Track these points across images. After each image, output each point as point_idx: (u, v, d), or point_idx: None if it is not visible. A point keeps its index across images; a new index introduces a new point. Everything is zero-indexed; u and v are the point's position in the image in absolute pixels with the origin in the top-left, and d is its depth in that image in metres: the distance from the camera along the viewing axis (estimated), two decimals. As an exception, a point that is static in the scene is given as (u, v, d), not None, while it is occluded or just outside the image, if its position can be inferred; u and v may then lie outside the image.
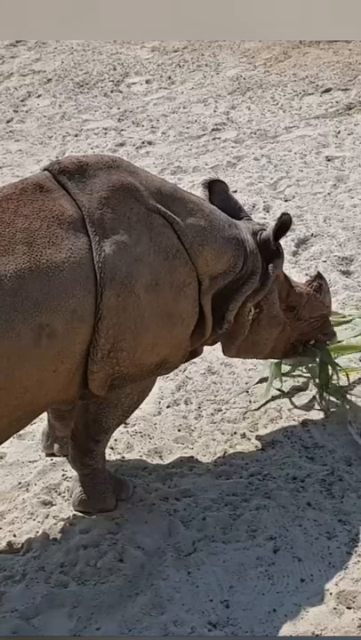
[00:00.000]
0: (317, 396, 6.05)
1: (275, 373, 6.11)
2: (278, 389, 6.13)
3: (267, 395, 6.08)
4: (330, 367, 5.94)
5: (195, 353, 5.33)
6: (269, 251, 5.31)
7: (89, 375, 4.64)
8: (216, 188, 5.48)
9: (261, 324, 5.40)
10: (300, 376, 6.24)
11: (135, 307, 4.63)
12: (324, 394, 5.99)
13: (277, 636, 4.41)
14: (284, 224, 5.28)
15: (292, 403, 6.06)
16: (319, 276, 5.82)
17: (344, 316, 6.51)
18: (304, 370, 6.23)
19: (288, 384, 6.22)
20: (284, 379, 6.17)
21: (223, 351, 5.52)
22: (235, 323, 5.24)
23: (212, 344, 5.40)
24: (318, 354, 5.92)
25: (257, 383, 6.24)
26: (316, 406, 6.01)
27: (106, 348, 4.59)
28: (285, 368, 6.22)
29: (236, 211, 5.46)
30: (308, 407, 6.03)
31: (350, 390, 6.10)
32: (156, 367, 4.92)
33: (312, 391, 6.14)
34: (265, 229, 5.39)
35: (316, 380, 6.06)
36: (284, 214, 5.27)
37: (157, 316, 4.74)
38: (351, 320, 6.45)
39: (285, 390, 6.17)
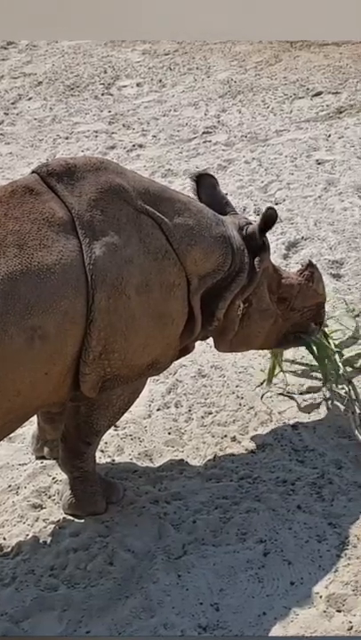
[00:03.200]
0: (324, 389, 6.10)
1: (276, 362, 6.12)
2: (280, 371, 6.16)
3: (269, 380, 6.11)
4: (327, 359, 5.96)
5: (186, 350, 5.33)
6: (255, 245, 5.31)
7: (80, 377, 4.64)
8: (204, 182, 5.50)
9: (252, 318, 5.39)
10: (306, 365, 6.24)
11: (126, 308, 4.63)
12: (330, 384, 6.01)
13: (268, 636, 4.40)
14: (269, 218, 5.27)
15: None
16: (310, 265, 5.75)
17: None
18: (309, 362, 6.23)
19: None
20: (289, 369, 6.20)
21: (216, 346, 5.52)
22: (225, 319, 5.24)
23: (203, 339, 5.41)
24: (313, 346, 5.93)
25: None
26: (306, 410, 6.01)
27: (97, 350, 4.59)
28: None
29: (222, 205, 5.47)
30: (298, 411, 6.03)
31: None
32: (147, 368, 4.92)
33: (302, 394, 6.16)
34: (251, 223, 5.39)
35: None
36: (269, 208, 5.26)
37: (148, 316, 4.74)
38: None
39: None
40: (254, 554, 4.90)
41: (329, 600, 4.61)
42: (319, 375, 6.14)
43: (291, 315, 5.64)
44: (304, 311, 5.70)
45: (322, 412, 5.99)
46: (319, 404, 6.07)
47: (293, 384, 6.24)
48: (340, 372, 5.95)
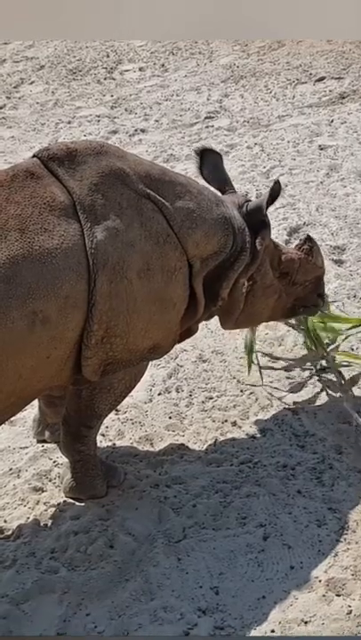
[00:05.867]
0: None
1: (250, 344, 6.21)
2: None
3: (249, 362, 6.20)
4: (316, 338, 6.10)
5: (189, 331, 5.34)
6: (256, 222, 5.32)
7: (82, 361, 4.65)
8: (208, 158, 5.55)
9: (256, 295, 5.43)
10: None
11: (127, 292, 4.64)
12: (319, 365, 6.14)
13: (270, 636, 4.42)
14: (275, 192, 5.30)
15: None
16: (309, 239, 5.81)
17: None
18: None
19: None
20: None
21: (221, 325, 5.56)
22: (229, 298, 5.27)
23: (208, 319, 5.44)
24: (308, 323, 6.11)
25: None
26: (307, 395, 6.03)
27: (99, 334, 4.60)
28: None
29: (221, 183, 5.51)
30: (299, 395, 6.05)
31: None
32: (148, 351, 4.93)
33: (304, 378, 6.17)
34: (250, 200, 5.41)
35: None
36: (276, 183, 5.27)
37: (149, 301, 4.75)
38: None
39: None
40: (254, 538, 4.92)
41: (328, 584, 4.63)
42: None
43: (293, 289, 5.70)
44: (305, 285, 5.76)
45: (322, 398, 6.00)
46: (304, 383, 6.14)
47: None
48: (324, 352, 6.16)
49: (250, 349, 6.19)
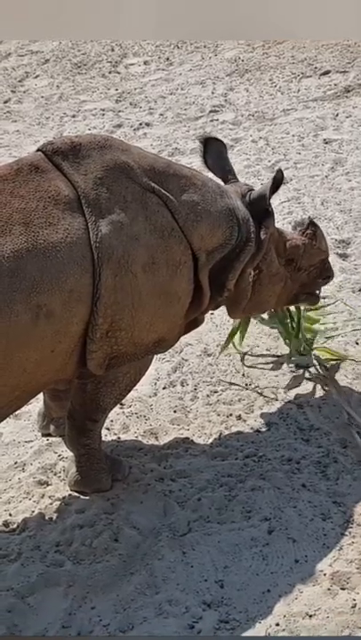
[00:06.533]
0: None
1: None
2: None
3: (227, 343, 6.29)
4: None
5: (195, 323, 5.34)
6: (259, 210, 5.32)
7: (87, 355, 4.65)
8: (212, 147, 5.56)
9: (263, 284, 5.44)
10: None
11: (132, 286, 4.64)
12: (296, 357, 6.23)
13: (275, 637, 4.42)
14: (278, 181, 5.30)
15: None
16: (312, 224, 5.81)
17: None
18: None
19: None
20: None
21: (229, 314, 5.58)
22: (236, 288, 5.27)
23: (214, 309, 5.45)
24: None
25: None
26: (312, 389, 6.03)
27: (104, 328, 4.60)
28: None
29: (225, 172, 5.52)
30: (303, 389, 6.04)
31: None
32: (153, 345, 4.93)
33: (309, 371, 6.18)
34: (253, 189, 5.41)
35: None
36: (278, 171, 5.27)
37: (154, 294, 4.75)
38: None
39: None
40: (259, 532, 4.92)
41: (333, 578, 4.63)
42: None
43: (298, 275, 5.70)
44: (310, 270, 5.76)
45: (326, 392, 6.00)
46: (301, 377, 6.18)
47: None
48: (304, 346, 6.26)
49: (232, 333, 6.24)
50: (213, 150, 5.57)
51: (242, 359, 6.30)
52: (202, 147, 5.57)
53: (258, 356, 6.38)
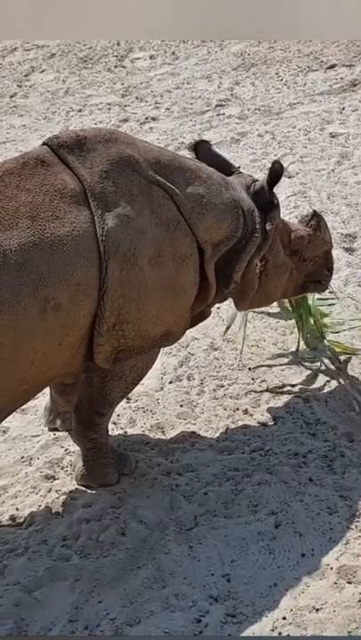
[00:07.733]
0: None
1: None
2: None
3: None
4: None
5: (202, 315, 5.34)
6: (264, 201, 5.32)
7: (94, 348, 4.65)
8: (201, 148, 5.54)
9: (269, 275, 5.45)
10: None
11: (139, 279, 4.64)
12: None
13: (278, 637, 4.42)
14: (276, 172, 5.29)
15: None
16: (315, 215, 5.85)
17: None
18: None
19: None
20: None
21: (235, 306, 5.59)
22: (243, 280, 5.28)
23: (221, 301, 5.45)
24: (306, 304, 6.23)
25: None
26: (320, 383, 6.03)
27: (111, 321, 4.60)
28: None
29: (225, 166, 5.50)
30: (310, 383, 6.04)
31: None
32: (160, 338, 4.93)
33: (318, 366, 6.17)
34: (257, 180, 5.41)
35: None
36: (275, 162, 5.28)
37: (161, 287, 4.75)
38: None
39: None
40: (265, 526, 4.92)
41: (340, 572, 4.63)
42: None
43: (303, 266, 5.74)
44: (315, 260, 5.79)
45: (333, 385, 5.99)
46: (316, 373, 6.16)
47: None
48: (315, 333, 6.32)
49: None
50: (203, 151, 5.53)
51: (240, 352, 6.28)
52: (194, 155, 5.53)
53: (276, 355, 6.39)
